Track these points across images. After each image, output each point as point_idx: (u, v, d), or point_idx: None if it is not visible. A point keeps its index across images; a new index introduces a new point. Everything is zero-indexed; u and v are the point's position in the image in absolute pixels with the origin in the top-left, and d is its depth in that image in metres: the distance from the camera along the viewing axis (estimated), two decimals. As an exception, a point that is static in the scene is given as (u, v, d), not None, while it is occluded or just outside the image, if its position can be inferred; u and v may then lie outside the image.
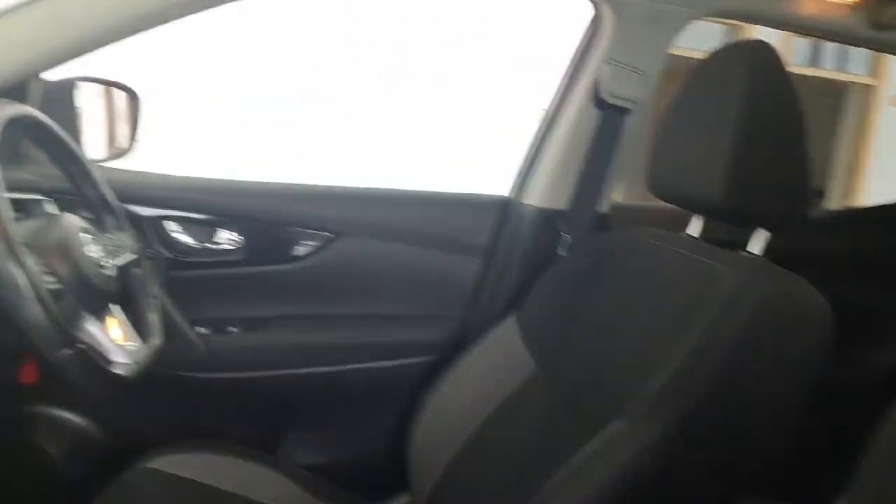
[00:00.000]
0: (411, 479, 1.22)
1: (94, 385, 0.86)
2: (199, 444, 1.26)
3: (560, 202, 1.41)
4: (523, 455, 1.01)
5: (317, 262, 1.42)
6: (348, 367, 1.42)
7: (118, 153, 1.55)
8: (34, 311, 0.76)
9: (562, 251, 1.36)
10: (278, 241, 1.42)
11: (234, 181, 1.39)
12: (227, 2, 1.27)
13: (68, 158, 1.03)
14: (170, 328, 1.32)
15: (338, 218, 1.42)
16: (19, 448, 1.29)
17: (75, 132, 1.39)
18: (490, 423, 1.11)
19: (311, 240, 1.41)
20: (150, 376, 1.33)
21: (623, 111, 1.34)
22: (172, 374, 1.34)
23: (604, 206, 1.43)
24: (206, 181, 1.38)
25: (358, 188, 1.45)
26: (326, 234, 1.41)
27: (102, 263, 0.95)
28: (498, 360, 1.24)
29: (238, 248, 1.39)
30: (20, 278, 0.76)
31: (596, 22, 1.34)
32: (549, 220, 1.40)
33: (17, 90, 1.22)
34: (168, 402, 1.39)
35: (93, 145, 1.47)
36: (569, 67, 1.40)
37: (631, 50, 1.32)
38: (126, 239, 1.10)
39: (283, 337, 1.40)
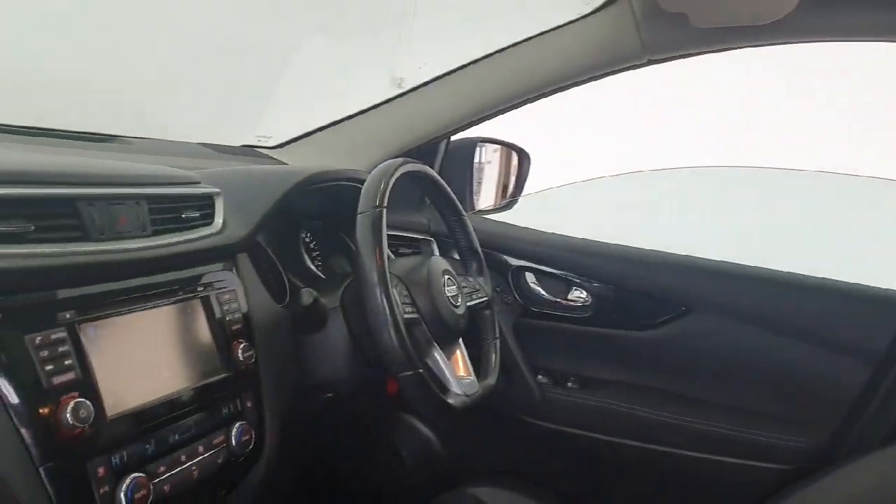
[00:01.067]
0: None
1: (427, 408, 0.97)
2: (519, 484, 1.31)
3: None
4: None
5: (666, 334, 1.35)
6: (683, 451, 1.31)
7: (503, 206, 1.74)
8: (388, 335, 0.90)
9: None
10: (628, 307, 1.39)
11: (594, 242, 1.42)
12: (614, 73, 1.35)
13: (448, 208, 1.19)
14: (512, 370, 1.41)
15: (694, 291, 1.33)
16: (380, 444, 1.52)
17: (469, 183, 1.61)
18: None
19: (663, 310, 1.35)
20: (489, 411, 1.44)
21: None
22: (508, 414, 1.43)
23: None
24: (568, 239, 1.43)
25: (723, 262, 1.32)
26: (680, 307, 1.34)
27: (455, 302, 1.06)
28: (875, 495, 1.01)
29: (587, 307, 1.41)
30: (384, 305, 0.90)
31: None
32: None
33: (429, 147, 1.48)
34: (499, 436, 1.48)
35: (482, 196, 1.68)
36: None
37: None
38: (483, 283, 1.21)
39: (618, 403, 1.36)
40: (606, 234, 1.40)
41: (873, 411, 1.21)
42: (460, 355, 1.12)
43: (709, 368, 1.33)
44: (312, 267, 1.22)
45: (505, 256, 1.47)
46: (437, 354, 1.02)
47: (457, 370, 1.09)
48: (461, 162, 1.57)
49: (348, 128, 1.47)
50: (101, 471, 0.66)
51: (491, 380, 1.13)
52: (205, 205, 0.90)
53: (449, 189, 1.18)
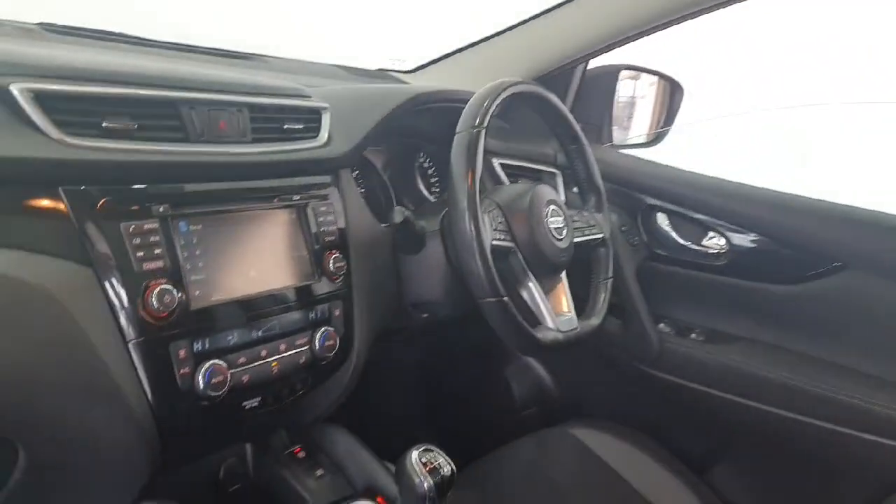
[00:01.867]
0: None
1: (513, 338, 0.94)
2: (624, 431, 1.26)
3: None
4: None
5: (813, 291, 1.19)
6: (824, 424, 1.17)
7: (647, 141, 1.62)
8: (472, 261, 0.88)
9: None
10: (771, 258, 1.24)
11: (739, 184, 1.27)
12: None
13: (566, 135, 1.12)
14: (631, 316, 1.33)
15: (853, 245, 1.15)
16: (488, 373, 1.52)
17: (608, 114, 1.51)
18: None
19: (812, 264, 1.19)
20: (603, 355, 1.39)
21: None
22: (623, 360, 1.36)
23: None
24: (710, 180, 1.30)
25: (888, 214, 1.13)
26: (833, 261, 1.17)
27: (558, 235, 1.01)
28: None
29: (723, 255, 1.28)
30: (472, 230, 0.88)
31: None
32: None
33: (563, 72, 1.40)
34: (612, 382, 1.42)
35: (624, 129, 1.57)
36: None
37: None
38: (601, 220, 1.14)
39: (747, 362, 1.24)
40: (752, 177, 1.25)
41: None
42: (563, 290, 1.07)
43: (859, 333, 1.17)
44: (424, 190, 1.22)
45: (638, 194, 1.37)
46: (532, 285, 0.98)
47: (557, 305, 1.04)
48: (600, 90, 1.47)
49: (482, 51, 1.43)
50: (182, 353, 0.72)
51: (595, 320, 1.07)
52: (311, 118, 0.92)
53: (569, 115, 1.10)
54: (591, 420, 1.29)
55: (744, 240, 1.26)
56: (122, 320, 0.68)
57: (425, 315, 1.08)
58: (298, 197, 0.88)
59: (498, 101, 0.95)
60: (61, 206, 0.66)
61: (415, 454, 0.70)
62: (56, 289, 0.64)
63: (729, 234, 1.27)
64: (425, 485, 0.68)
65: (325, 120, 0.94)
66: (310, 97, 0.94)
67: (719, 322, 1.30)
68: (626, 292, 1.32)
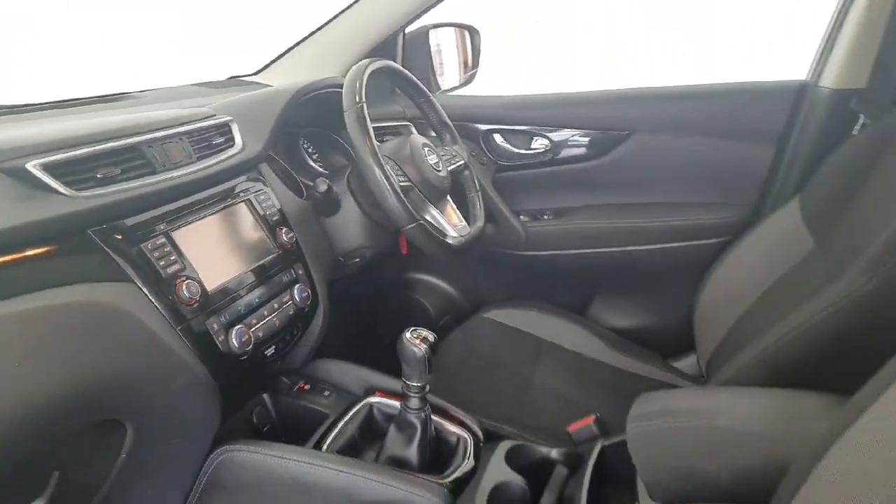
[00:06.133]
0: (697, 342, 1.39)
1: (434, 249, 1.24)
2: (524, 303, 1.63)
3: (858, 81, 1.33)
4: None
5: (615, 158, 1.62)
6: (646, 247, 1.62)
7: (465, 81, 1.95)
8: (391, 200, 1.16)
9: (856, 130, 1.31)
10: (582, 143, 1.65)
11: (543, 95, 1.66)
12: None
13: (415, 92, 1.42)
14: (498, 218, 1.70)
15: (633, 117, 1.58)
16: (406, 300, 1.84)
17: (431, 67, 1.82)
18: (768, 294, 1.18)
19: (613, 139, 1.62)
20: (487, 253, 1.74)
21: None
22: (502, 252, 1.73)
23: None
24: (522, 98, 1.67)
25: (652, 88, 1.58)
26: (624, 132, 1.60)
27: (437, 168, 1.32)
28: (779, 238, 1.28)
29: (548, 151, 1.68)
30: (383, 179, 1.16)
31: None
32: (844, 100, 1.35)
33: (387, 43, 1.68)
34: (500, 272, 1.79)
35: (446, 77, 1.89)
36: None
37: None
38: (458, 150, 1.46)
39: (588, 223, 1.66)
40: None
41: (778, 182, 1.50)
42: (451, 209, 1.39)
43: (653, 177, 1.62)
44: (315, 166, 1.47)
45: (473, 124, 1.71)
46: (433, 210, 1.29)
47: (451, 220, 1.36)
48: (419, 50, 1.77)
49: (315, 41, 1.67)
50: (216, 326, 0.95)
51: (479, 223, 1.40)
52: (225, 131, 1.14)
53: (412, 76, 1.40)
54: (497, 304, 1.64)
55: (560, 136, 1.66)
56: (166, 313, 0.89)
57: (357, 260, 1.35)
58: (242, 193, 1.11)
59: (364, 78, 1.22)
60: (95, 243, 0.85)
61: (408, 334, 0.99)
62: (117, 303, 0.83)
63: (549, 134, 1.66)
64: (422, 349, 0.98)
65: (235, 129, 1.16)
66: (214, 115, 1.15)
67: (559, 201, 1.70)
68: (489, 200, 1.67)
